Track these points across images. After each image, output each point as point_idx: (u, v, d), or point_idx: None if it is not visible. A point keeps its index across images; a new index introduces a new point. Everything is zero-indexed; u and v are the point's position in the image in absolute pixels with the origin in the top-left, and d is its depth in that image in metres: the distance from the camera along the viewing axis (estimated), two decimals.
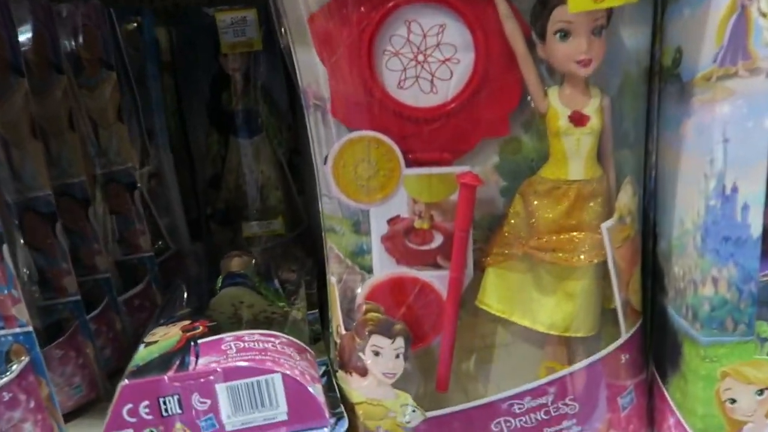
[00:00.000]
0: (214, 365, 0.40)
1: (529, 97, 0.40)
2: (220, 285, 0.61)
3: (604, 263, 0.42)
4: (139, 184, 0.67)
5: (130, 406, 0.39)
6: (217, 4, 0.72)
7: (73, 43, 0.59)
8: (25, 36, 0.52)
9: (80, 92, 0.60)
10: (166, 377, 0.39)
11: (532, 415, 0.43)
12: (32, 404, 0.49)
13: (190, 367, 0.40)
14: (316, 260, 0.72)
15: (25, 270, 0.54)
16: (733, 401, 0.39)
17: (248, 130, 0.75)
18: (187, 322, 0.48)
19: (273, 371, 0.40)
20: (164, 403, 0.39)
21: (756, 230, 0.36)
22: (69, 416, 0.55)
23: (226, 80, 0.74)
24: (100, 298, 0.62)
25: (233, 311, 0.55)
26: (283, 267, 0.71)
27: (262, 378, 0.40)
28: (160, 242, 0.73)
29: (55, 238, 0.54)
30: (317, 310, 0.60)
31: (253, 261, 0.68)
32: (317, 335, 0.55)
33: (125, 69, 0.66)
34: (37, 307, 0.55)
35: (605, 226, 0.40)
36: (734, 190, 0.35)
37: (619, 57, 0.40)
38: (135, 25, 0.69)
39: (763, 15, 0.32)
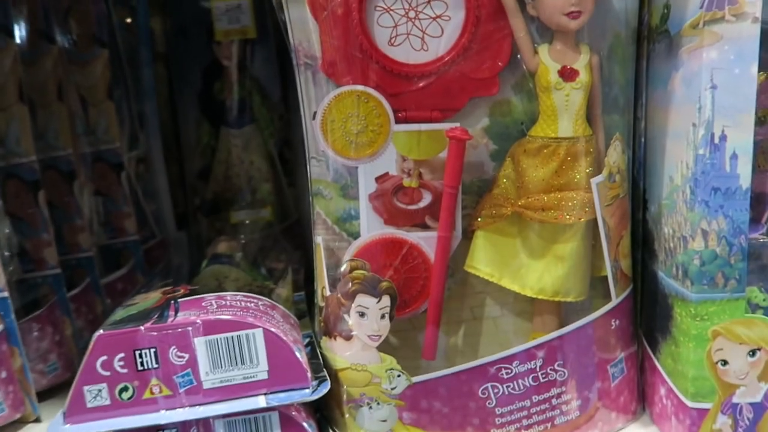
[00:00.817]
0: (193, 318, 0.38)
1: (519, 56, 0.40)
2: (205, 265, 0.60)
3: (594, 225, 0.41)
4: (126, 167, 0.67)
5: (104, 358, 0.38)
6: None
7: (65, 17, 0.59)
8: (17, 4, 0.52)
9: (71, 68, 0.60)
10: (142, 327, 0.38)
11: (520, 381, 0.42)
12: (3, 374, 0.47)
13: (169, 320, 0.38)
14: (305, 253, 0.71)
15: (5, 250, 0.53)
16: (725, 363, 0.38)
17: (239, 120, 0.75)
18: (168, 288, 0.46)
19: (254, 326, 0.39)
20: (140, 356, 0.38)
21: (745, 181, 0.35)
22: (42, 395, 0.53)
23: (219, 70, 0.74)
24: (82, 276, 0.60)
25: (217, 284, 0.53)
26: (270, 257, 0.70)
27: (242, 333, 0.39)
28: (145, 229, 0.72)
29: (37, 207, 0.53)
30: (303, 293, 0.59)
31: (241, 247, 0.67)
32: (302, 313, 0.54)
33: (117, 50, 0.66)
34: (16, 282, 0.54)
35: (595, 181, 0.40)
36: (723, 138, 0.35)
37: (608, 17, 0.40)
38: (129, 8, 0.69)
39: None
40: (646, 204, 0.44)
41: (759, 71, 0.36)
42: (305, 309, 0.55)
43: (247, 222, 0.73)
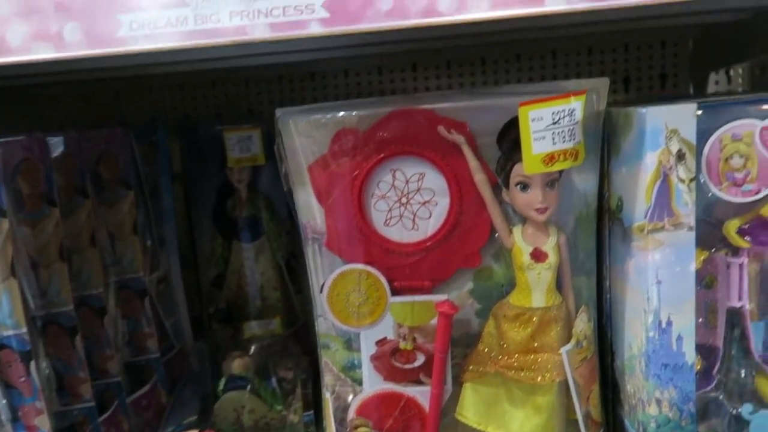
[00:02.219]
0: None
1: (497, 234, 0.47)
2: (222, 388, 0.66)
3: (566, 381, 0.47)
4: (149, 290, 0.73)
5: None
6: (223, 119, 0.79)
7: (96, 165, 0.66)
8: (57, 164, 0.59)
9: (100, 208, 0.67)
10: None
11: None
12: None
13: None
14: (311, 358, 0.77)
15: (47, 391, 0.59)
16: None
17: (250, 235, 0.81)
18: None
19: None
20: None
21: (690, 357, 0.41)
22: None
23: (231, 190, 0.81)
24: (111, 400, 0.66)
25: (235, 417, 0.59)
26: (280, 365, 0.76)
27: None
28: (165, 342, 0.77)
29: (74, 348, 0.59)
30: (312, 411, 0.65)
31: (253, 360, 0.73)
32: None
33: (141, 185, 0.72)
34: (54, 413, 0.59)
35: (564, 349, 0.46)
36: (669, 323, 0.41)
37: (571, 200, 0.47)
38: (150, 143, 0.76)
39: (682, 181, 0.40)
40: (613, 355, 0.50)
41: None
42: (314, 431, 0.60)
43: (259, 335, 0.79)
